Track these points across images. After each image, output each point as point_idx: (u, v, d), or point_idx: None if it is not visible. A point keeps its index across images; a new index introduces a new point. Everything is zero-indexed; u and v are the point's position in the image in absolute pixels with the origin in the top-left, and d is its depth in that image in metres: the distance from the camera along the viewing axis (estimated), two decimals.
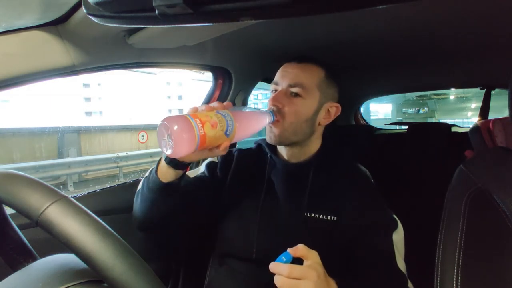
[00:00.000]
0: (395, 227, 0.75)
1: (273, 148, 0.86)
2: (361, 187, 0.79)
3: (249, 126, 0.67)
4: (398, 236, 0.74)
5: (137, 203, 0.74)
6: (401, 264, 0.72)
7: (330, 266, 0.64)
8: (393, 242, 0.72)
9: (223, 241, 0.83)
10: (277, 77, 0.80)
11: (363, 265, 0.71)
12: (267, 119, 0.71)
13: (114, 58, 0.82)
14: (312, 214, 0.76)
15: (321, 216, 0.76)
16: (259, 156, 0.88)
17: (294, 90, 0.76)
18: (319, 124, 0.81)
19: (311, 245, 0.73)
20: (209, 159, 0.90)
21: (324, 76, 0.79)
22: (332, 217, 0.76)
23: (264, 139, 0.88)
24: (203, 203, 0.82)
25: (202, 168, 0.89)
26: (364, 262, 0.71)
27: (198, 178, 0.84)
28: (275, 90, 0.79)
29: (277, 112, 0.75)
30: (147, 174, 0.72)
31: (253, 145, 0.94)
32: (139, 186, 0.75)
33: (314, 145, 0.83)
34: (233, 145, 1.34)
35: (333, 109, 0.82)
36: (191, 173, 0.87)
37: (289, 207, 0.78)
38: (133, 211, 0.75)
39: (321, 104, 0.79)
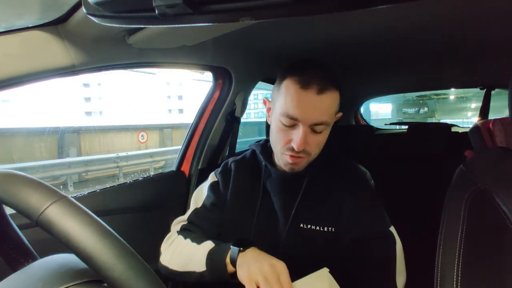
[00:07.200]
0: (394, 241, 0.72)
1: (268, 156, 0.82)
2: (360, 193, 0.76)
3: None
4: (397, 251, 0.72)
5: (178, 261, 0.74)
6: (400, 282, 0.69)
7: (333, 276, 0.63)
8: (394, 256, 0.70)
9: None
10: (295, 111, 0.66)
11: (362, 279, 0.69)
12: None
13: (114, 58, 0.82)
14: (309, 226, 0.74)
15: (317, 228, 0.74)
16: (254, 164, 0.85)
17: (318, 128, 0.68)
18: None
19: (306, 256, 0.73)
20: (210, 180, 0.88)
21: (339, 99, 0.71)
22: (330, 228, 0.73)
23: (258, 145, 0.85)
24: (216, 223, 0.83)
25: (205, 192, 0.87)
26: (363, 275, 0.69)
27: (210, 205, 0.84)
28: (290, 124, 0.68)
29: (302, 152, 0.70)
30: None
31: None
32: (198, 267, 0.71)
33: None
34: (232, 151, 1.34)
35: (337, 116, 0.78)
36: (198, 202, 0.86)
37: (284, 218, 0.76)
38: (168, 264, 0.75)
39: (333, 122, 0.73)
